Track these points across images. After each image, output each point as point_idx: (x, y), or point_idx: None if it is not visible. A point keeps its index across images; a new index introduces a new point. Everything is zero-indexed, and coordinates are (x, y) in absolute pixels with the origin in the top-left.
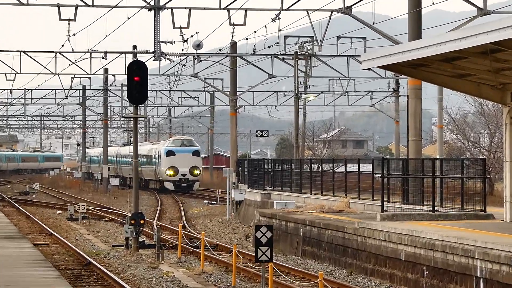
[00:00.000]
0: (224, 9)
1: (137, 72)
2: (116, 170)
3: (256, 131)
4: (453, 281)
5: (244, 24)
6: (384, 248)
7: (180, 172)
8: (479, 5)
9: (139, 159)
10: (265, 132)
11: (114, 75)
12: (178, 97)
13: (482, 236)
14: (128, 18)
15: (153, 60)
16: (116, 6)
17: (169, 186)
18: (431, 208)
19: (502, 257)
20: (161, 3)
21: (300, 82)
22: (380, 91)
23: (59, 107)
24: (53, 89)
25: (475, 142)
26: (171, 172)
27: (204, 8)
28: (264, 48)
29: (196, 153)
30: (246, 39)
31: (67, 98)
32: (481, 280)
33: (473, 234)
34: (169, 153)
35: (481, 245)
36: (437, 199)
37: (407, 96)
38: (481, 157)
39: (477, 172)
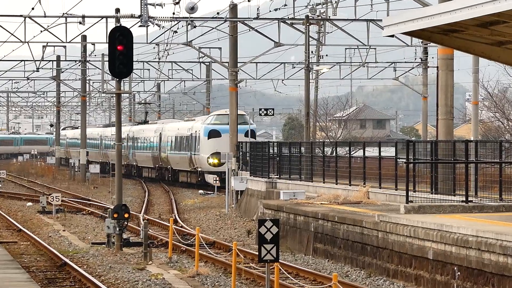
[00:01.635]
0: None
1: (120, 40)
2: (100, 155)
3: (260, 109)
4: (489, 283)
5: None
6: (409, 246)
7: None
8: None
9: (167, 141)
10: (270, 110)
11: (93, 44)
12: (169, 70)
13: None
14: None
15: (139, 26)
16: None
17: (211, 179)
18: (464, 199)
19: None
20: None
21: (312, 52)
22: (405, 62)
23: (29, 81)
24: (21, 60)
25: None
26: (215, 161)
27: None
28: (270, 11)
29: (251, 133)
30: (249, 0)
31: (38, 71)
32: None
33: None
34: (212, 134)
35: None
36: (471, 188)
37: (437, 67)
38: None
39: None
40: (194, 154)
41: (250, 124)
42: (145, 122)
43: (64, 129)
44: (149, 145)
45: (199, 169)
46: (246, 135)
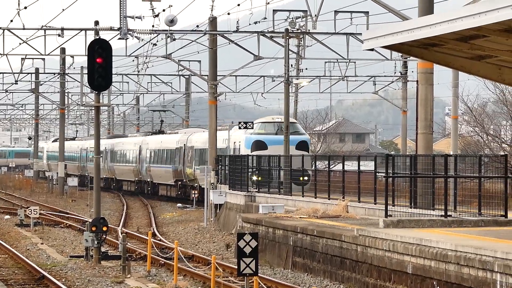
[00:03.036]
0: None
1: (99, 53)
2: (79, 168)
3: (240, 122)
4: None
5: None
6: (388, 260)
7: (276, 177)
8: None
9: (193, 155)
10: (249, 123)
11: (72, 56)
12: (148, 82)
13: (502, 245)
14: None
15: (119, 39)
16: None
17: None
18: (443, 213)
19: None
20: None
21: (291, 65)
22: (385, 76)
23: (7, 93)
24: (0, 73)
25: (496, 136)
26: (258, 178)
27: None
28: (249, 24)
29: (302, 145)
30: (228, 13)
31: (16, 83)
32: None
33: (492, 244)
34: (257, 146)
35: (501, 256)
36: (450, 203)
37: (417, 81)
38: (502, 153)
39: (498, 171)
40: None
41: (301, 134)
42: (161, 132)
43: (45, 141)
44: (169, 158)
45: None
46: (298, 147)
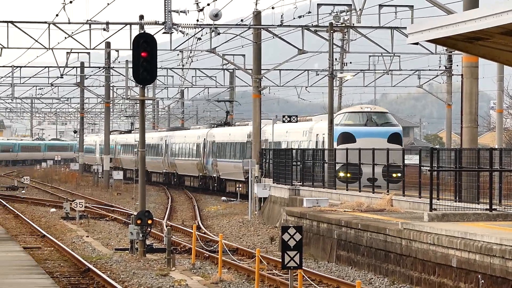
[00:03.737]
0: None
1: (144, 47)
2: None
3: (284, 116)
4: None
5: None
6: (432, 253)
7: (365, 173)
8: None
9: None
10: (293, 117)
11: (117, 50)
12: (192, 76)
13: None
14: None
15: (163, 33)
16: None
17: None
18: (488, 207)
19: None
20: None
21: (336, 59)
22: (429, 70)
23: (52, 87)
24: (46, 67)
25: None
26: (347, 174)
27: None
28: (294, 18)
29: (395, 138)
30: (272, 7)
31: (62, 77)
32: None
33: None
34: (344, 139)
35: None
36: (495, 196)
37: (462, 75)
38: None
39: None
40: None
41: (394, 125)
42: (227, 123)
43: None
44: (238, 152)
45: None
46: (390, 140)
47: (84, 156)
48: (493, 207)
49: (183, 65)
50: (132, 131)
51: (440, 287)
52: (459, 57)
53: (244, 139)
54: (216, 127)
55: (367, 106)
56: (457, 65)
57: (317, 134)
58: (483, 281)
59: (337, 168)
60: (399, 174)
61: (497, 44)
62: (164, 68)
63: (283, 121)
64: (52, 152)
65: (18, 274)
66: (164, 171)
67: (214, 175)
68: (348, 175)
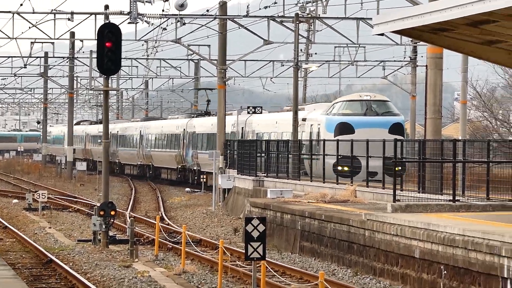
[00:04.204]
0: None
1: (109, 37)
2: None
3: (248, 107)
4: (476, 283)
5: None
6: (395, 244)
7: (364, 167)
8: None
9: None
10: (258, 108)
11: (81, 40)
12: (157, 67)
13: (510, 230)
14: None
15: (128, 23)
16: None
17: None
18: (451, 198)
19: None
20: None
21: (301, 50)
22: (394, 61)
23: (16, 77)
24: (9, 57)
25: (504, 121)
26: (345, 168)
27: None
28: (260, 9)
29: (397, 129)
30: None
31: (25, 67)
32: (509, 281)
33: (500, 228)
34: (341, 129)
35: (509, 240)
36: (459, 187)
37: (426, 66)
38: (511, 138)
39: (506, 155)
40: (313, 157)
41: (395, 115)
42: (207, 113)
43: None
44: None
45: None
46: (392, 130)
47: (52, 147)
48: (456, 198)
49: (147, 56)
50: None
51: (403, 278)
52: (424, 48)
53: (229, 130)
54: (196, 117)
55: (366, 94)
56: (422, 56)
57: (311, 125)
58: (445, 272)
59: (333, 161)
60: (400, 168)
61: (461, 35)
62: (129, 58)
63: (248, 112)
64: (30, 143)
65: None
66: (139, 163)
67: (195, 168)
68: (346, 168)
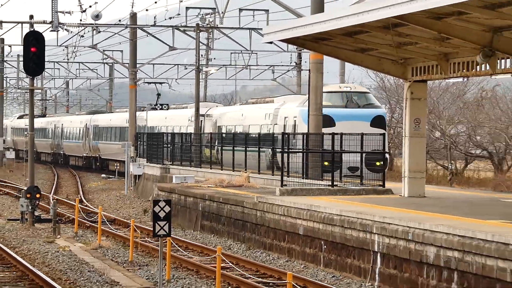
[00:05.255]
0: None
1: (34, 43)
2: (52, 146)
3: (156, 104)
4: (351, 256)
5: None
6: (282, 223)
7: (345, 162)
8: None
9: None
10: (165, 105)
11: (10, 46)
12: (76, 69)
13: (380, 211)
14: None
15: (51, 31)
16: None
17: None
18: (330, 183)
19: (399, 232)
20: None
21: (202, 55)
22: (282, 65)
23: None
24: None
25: None
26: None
27: None
28: (165, 19)
29: (378, 121)
30: (147, 10)
31: None
32: (378, 254)
33: (371, 209)
34: (322, 121)
35: (379, 220)
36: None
37: (309, 70)
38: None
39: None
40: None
41: (376, 107)
42: (161, 106)
43: (20, 117)
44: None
45: None
46: (373, 123)
47: None
48: (334, 183)
49: (68, 59)
50: (47, 115)
51: (289, 252)
52: (307, 54)
53: (185, 123)
54: (150, 110)
55: (346, 85)
56: (305, 62)
57: (285, 117)
58: (325, 246)
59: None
60: (381, 162)
61: (338, 43)
62: (52, 61)
63: (155, 109)
64: None
65: None
66: (85, 155)
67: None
68: (326, 163)
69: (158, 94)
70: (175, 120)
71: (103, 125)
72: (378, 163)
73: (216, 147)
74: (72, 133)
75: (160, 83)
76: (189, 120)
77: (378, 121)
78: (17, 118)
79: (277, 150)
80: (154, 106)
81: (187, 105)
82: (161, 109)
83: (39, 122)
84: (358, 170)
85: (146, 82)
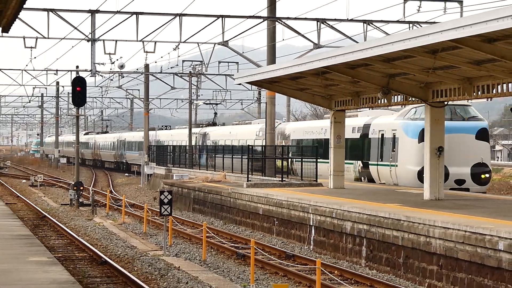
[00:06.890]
0: (140, 41)
1: (79, 84)
2: (116, 156)
3: (162, 126)
4: (295, 228)
5: (154, 52)
6: (248, 206)
7: (452, 175)
8: (315, 41)
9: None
10: (168, 126)
11: (63, 86)
12: (108, 102)
13: (314, 197)
14: (73, 47)
15: (90, 76)
16: (64, 38)
17: None
18: (280, 179)
19: (327, 211)
20: (96, 37)
21: (193, 93)
22: (248, 99)
23: (24, 108)
24: (20, 96)
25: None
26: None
27: (126, 40)
28: (168, 68)
29: (483, 134)
30: (155, 62)
31: (29, 102)
32: (313, 227)
33: (308, 196)
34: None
35: (313, 203)
36: (285, 173)
37: (266, 103)
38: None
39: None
40: (391, 166)
41: (481, 120)
42: (214, 124)
43: (87, 134)
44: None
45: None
46: (478, 136)
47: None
48: (283, 179)
49: (102, 95)
50: (110, 132)
51: (252, 226)
52: (265, 92)
53: (185, 138)
54: (205, 126)
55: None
56: (263, 97)
57: (379, 130)
58: (277, 222)
59: (417, 168)
60: (487, 175)
61: (286, 85)
62: (91, 97)
63: (161, 129)
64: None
65: (2, 219)
66: (115, 160)
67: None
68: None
69: (215, 113)
70: (178, 135)
71: (128, 140)
72: (483, 176)
73: (204, 155)
74: (106, 145)
75: (216, 103)
76: (187, 136)
77: (483, 134)
78: (83, 135)
79: (243, 157)
80: (211, 122)
81: (186, 127)
82: (166, 128)
83: (84, 138)
84: (464, 183)
85: (205, 103)
